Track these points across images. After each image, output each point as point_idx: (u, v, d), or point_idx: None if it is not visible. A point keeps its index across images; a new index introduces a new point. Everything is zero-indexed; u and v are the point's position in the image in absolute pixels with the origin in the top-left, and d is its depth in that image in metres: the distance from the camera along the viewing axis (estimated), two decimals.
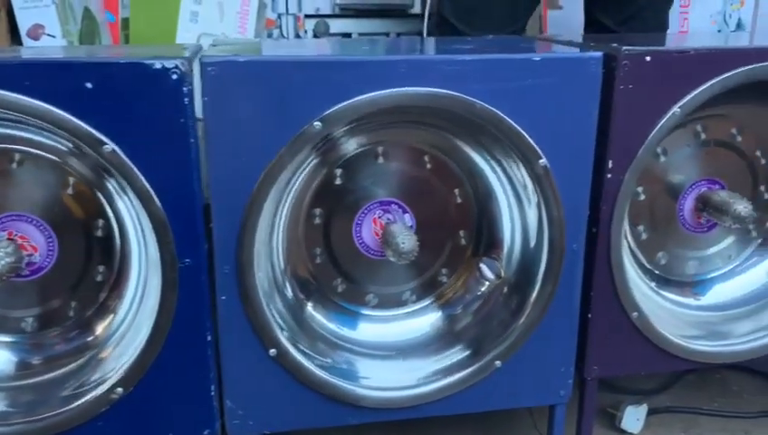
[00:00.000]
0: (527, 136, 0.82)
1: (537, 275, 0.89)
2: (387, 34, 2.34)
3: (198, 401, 0.84)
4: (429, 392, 0.89)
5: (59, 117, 0.72)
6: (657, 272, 1.02)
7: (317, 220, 0.91)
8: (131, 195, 0.78)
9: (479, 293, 0.94)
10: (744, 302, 0.99)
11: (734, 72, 0.84)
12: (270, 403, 0.87)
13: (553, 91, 0.81)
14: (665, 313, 0.97)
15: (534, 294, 0.89)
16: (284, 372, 0.85)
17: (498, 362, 0.90)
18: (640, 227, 1.01)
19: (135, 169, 0.74)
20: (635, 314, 0.91)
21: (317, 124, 0.77)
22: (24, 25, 1.54)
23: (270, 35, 2.40)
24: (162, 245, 0.78)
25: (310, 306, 0.91)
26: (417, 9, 2.34)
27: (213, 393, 0.85)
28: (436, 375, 0.89)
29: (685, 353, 0.94)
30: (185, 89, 0.73)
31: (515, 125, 0.82)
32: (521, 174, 0.86)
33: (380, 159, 0.91)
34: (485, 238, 0.96)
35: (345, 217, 0.92)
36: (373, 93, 0.77)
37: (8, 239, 0.81)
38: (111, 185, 0.82)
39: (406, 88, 0.77)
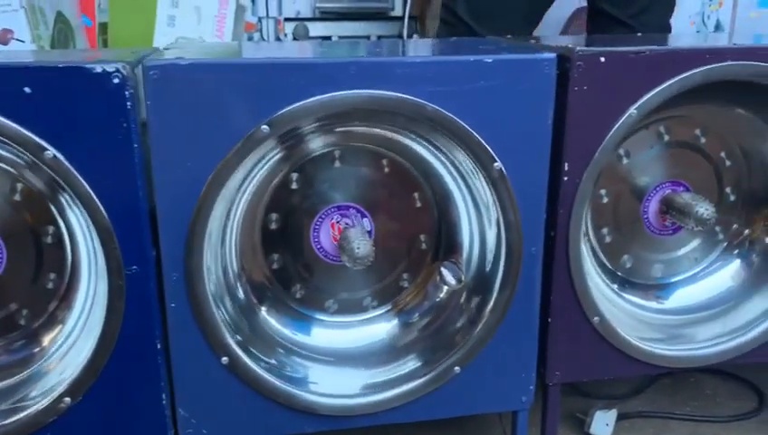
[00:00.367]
0: (481, 139, 0.81)
1: (495, 279, 0.88)
2: (367, 37, 2.34)
3: (150, 409, 0.83)
4: (387, 399, 0.88)
5: None
6: (621, 275, 1.01)
7: (273, 225, 0.90)
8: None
9: (437, 299, 0.93)
10: (709, 306, 0.98)
11: (690, 72, 0.83)
12: (224, 412, 0.85)
13: (507, 92, 0.80)
14: (628, 317, 0.95)
15: (493, 299, 0.88)
16: (237, 380, 0.83)
17: (457, 369, 0.89)
18: (604, 230, 0.99)
19: (77, 175, 0.73)
20: (596, 318, 0.90)
21: (264, 128, 0.76)
22: None
23: (250, 39, 2.40)
24: (107, 252, 0.76)
25: (263, 311, 0.90)
26: (397, 11, 2.34)
27: (165, 402, 0.83)
28: (394, 382, 0.88)
29: (648, 358, 0.93)
30: (127, 93, 0.72)
31: (468, 128, 0.80)
32: (477, 177, 0.85)
33: (337, 163, 0.90)
34: (445, 243, 0.95)
35: (302, 222, 0.91)
36: (321, 96, 0.76)
37: None
38: (63, 196, 0.80)
39: (355, 91, 0.76)
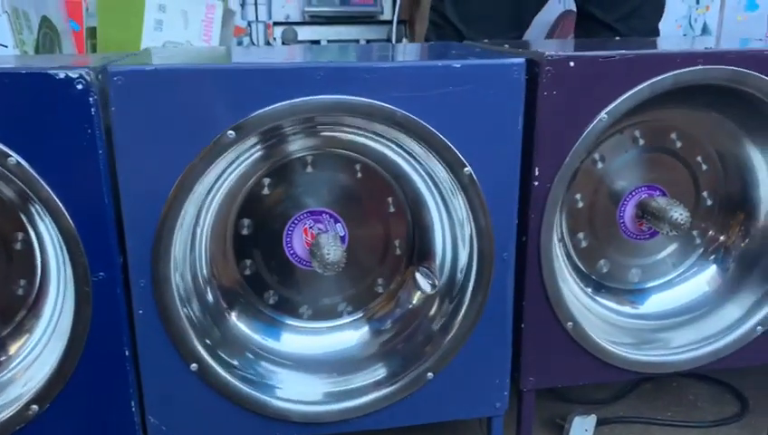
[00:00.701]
0: (450, 144, 0.81)
1: (468, 285, 0.88)
2: (356, 41, 2.34)
3: (119, 417, 0.82)
4: (359, 406, 0.87)
5: None
6: (598, 280, 1.00)
7: (245, 231, 0.90)
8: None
9: (410, 305, 0.92)
10: (683, 311, 0.98)
11: (661, 77, 0.82)
12: (194, 419, 0.85)
13: (476, 98, 0.80)
14: (602, 321, 0.95)
15: (465, 305, 0.88)
16: (207, 387, 0.83)
17: (430, 374, 0.88)
18: (580, 235, 0.99)
19: (41, 182, 0.73)
20: (570, 323, 0.90)
21: (230, 133, 0.75)
22: None
23: (240, 43, 2.40)
24: (73, 258, 0.76)
25: (234, 316, 0.89)
26: (386, 15, 2.34)
27: (134, 409, 0.83)
28: (366, 389, 0.88)
29: (622, 363, 0.92)
30: (91, 99, 0.71)
31: (438, 133, 0.80)
32: (448, 183, 0.85)
33: (309, 168, 0.89)
34: (419, 248, 0.94)
35: (275, 228, 0.90)
36: (287, 101, 0.75)
37: None
38: (33, 203, 0.80)
39: (321, 96, 0.76)
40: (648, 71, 0.82)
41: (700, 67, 0.83)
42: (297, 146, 0.87)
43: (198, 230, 0.83)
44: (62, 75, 0.70)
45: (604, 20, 1.31)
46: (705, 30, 1.94)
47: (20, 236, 0.83)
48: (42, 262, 0.84)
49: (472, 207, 0.84)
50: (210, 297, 0.87)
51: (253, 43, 2.39)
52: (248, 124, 0.76)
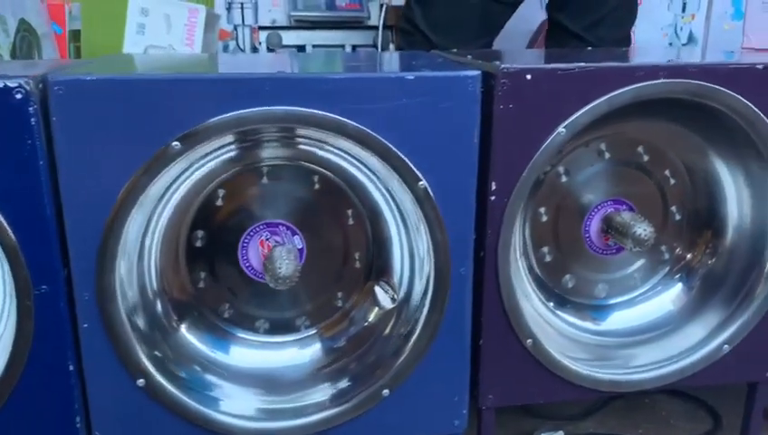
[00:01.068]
0: (404, 157, 0.79)
1: (424, 300, 0.86)
2: (342, 47, 2.32)
3: (63, 433, 0.81)
4: (313, 423, 0.85)
5: None
6: (562, 295, 0.98)
7: (199, 243, 0.88)
8: None
9: (366, 322, 0.91)
10: (646, 329, 0.96)
11: (621, 90, 0.81)
12: (141, 434, 0.83)
13: (430, 110, 0.78)
14: (563, 337, 0.93)
15: (422, 321, 0.86)
16: (154, 402, 0.81)
17: (386, 392, 0.86)
18: (545, 249, 0.97)
19: None
20: (529, 341, 0.88)
21: (175, 144, 0.74)
22: None
23: (226, 47, 2.39)
24: (15, 272, 0.74)
25: (183, 329, 0.87)
26: (373, 21, 2.32)
27: (79, 425, 0.81)
28: (316, 406, 0.85)
29: (583, 381, 0.90)
30: (30, 109, 0.70)
31: (391, 146, 0.78)
32: (404, 196, 0.83)
33: (265, 180, 0.88)
34: (379, 262, 0.92)
35: (230, 240, 0.89)
36: (233, 113, 0.74)
37: None
38: None
39: (269, 107, 0.74)
40: (607, 84, 0.80)
41: (662, 81, 0.81)
42: (252, 157, 0.85)
43: (148, 241, 0.82)
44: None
45: (572, 29, 1.29)
46: (691, 39, 1.92)
47: None
48: None
49: (428, 221, 0.82)
50: (159, 310, 0.85)
51: (239, 47, 2.38)
52: (194, 135, 0.74)
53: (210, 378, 0.85)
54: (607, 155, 0.95)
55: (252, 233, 0.89)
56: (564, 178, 0.94)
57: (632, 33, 1.86)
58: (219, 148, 0.81)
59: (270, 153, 0.85)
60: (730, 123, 0.88)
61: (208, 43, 2.03)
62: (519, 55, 1.02)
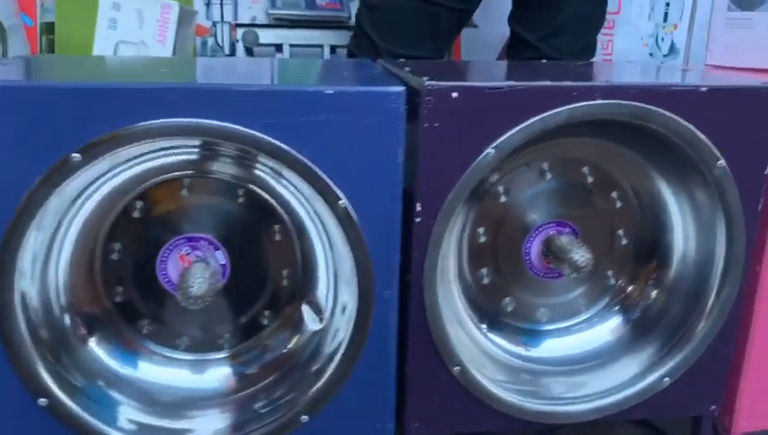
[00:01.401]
0: (323, 175, 0.75)
1: (347, 323, 0.82)
2: (321, 47, 2.28)
3: None
4: None
5: None
6: (500, 319, 0.95)
7: (115, 256, 0.85)
8: None
9: (288, 343, 0.87)
10: (582, 359, 0.91)
11: (553, 111, 0.76)
12: None
13: (352, 127, 0.74)
14: (497, 366, 0.89)
15: (344, 344, 0.82)
16: (57, 423, 0.78)
17: (305, 418, 0.83)
18: (483, 271, 0.93)
19: None
20: (457, 368, 0.84)
21: (75, 156, 0.70)
22: None
23: (204, 44, 2.36)
24: None
25: (92, 342, 0.84)
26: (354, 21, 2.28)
27: None
28: (235, 428, 0.82)
29: (514, 411, 0.86)
30: None
31: (309, 163, 0.75)
32: (326, 215, 0.79)
33: (185, 192, 0.84)
34: (306, 281, 0.89)
35: (148, 254, 0.85)
36: (140, 124, 0.70)
37: None
38: None
39: (174, 119, 0.70)
40: (539, 104, 0.76)
41: (598, 102, 0.77)
42: (172, 168, 0.81)
43: (54, 255, 0.78)
44: None
45: (529, 40, 1.25)
46: (672, 49, 1.87)
47: None
48: None
49: (349, 241, 0.78)
50: (67, 324, 0.81)
51: (217, 44, 2.34)
52: (95, 147, 0.70)
53: (113, 394, 0.81)
54: (549, 175, 0.90)
55: (171, 247, 0.85)
56: (504, 198, 0.90)
57: (611, 43, 1.82)
58: (134, 158, 0.78)
59: (190, 165, 0.82)
60: (675, 148, 0.83)
61: (184, 39, 1.99)
62: (457, 70, 0.98)
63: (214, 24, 2.34)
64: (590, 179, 0.92)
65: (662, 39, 1.86)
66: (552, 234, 0.92)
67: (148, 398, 0.82)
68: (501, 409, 0.86)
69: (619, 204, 0.93)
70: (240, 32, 2.28)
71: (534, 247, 0.93)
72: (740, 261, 0.86)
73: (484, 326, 0.92)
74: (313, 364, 0.84)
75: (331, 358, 0.83)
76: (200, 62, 1.30)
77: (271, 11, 2.24)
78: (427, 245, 0.79)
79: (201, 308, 0.87)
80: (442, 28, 1.22)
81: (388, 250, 0.80)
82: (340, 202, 0.77)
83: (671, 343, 0.90)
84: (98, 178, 0.77)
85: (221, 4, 2.31)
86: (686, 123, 0.80)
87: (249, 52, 2.24)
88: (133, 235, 0.84)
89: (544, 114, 0.76)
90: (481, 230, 0.91)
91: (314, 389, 0.82)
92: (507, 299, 0.95)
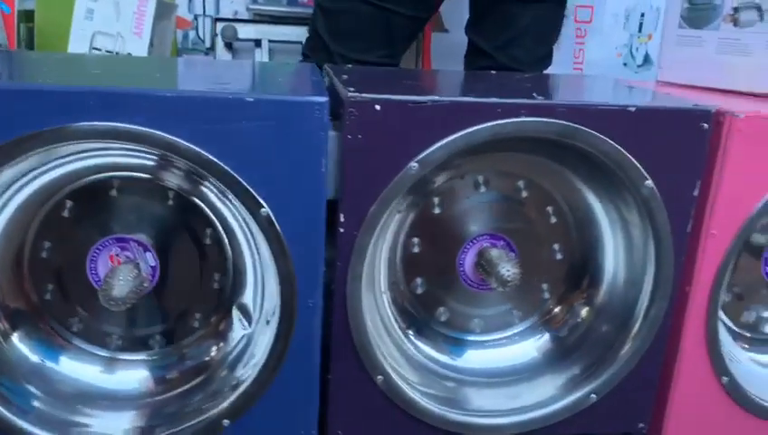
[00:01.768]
0: (244, 182, 0.75)
1: (272, 329, 0.82)
2: (300, 43, 2.28)
3: None
4: None
5: None
6: (432, 328, 0.95)
7: (45, 254, 0.85)
8: None
9: (211, 348, 0.87)
10: (509, 373, 0.92)
11: (477, 127, 0.77)
12: None
13: (273, 136, 0.74)
14: (421, 374, 0.89)
15: (267, 351, 0.82)
16: None
17: (226, 422, 0.83)
18: (418, 281, 0.93)
19: None
20: (380, 377, 0.84)
21: None
22: None
23: (186, 36, 2.36)
24: None
25: (15, 338, 0.84)
26: None
27: None
28: (139, 432, 0.82)
29: (437, 422, 0.86)
30: None
31: (230, 170, 0.75)
32: (251, 222, 0.80)
33: (115, 193, 0.84)
34: (236, 286, 0.89)
35: (77, 253, 0.85)
36: (57, 126, 0.70)
37: None
38: None
39: (91, 122, 0.70)
40: (463, 120, 0.76)
41: (523, 119, 0.77)
42: (97, 169, 0.81)
43: None
44: None
45: (485, 48, 1.25)
46: (646, 60, 1.87)
47: None
48: None
49: (272, 249, 0.79)
50: None
51: (198, 38, 2.34)
52: (10, 149, 0.70)
53: (30, 389, 0.81)
54: (483, 188, 0.91)
55: (101, 247, 0.85)
56: (438, 210, 0.90)
57: (582, 53, 1.82)
58: (61, 157, 0.78)
59: (119, 166, 0.82)
60: (604, 167, 0.83)
61: (163, 32, 1.99)
62: (393, 81, 0.97)
63: (195, 17, 2.34)
64: (524, 194, 0.92)
65: (636, 49, 1.86)
66: (486, 246, 0.92)
67: (65, 393, 0.82)
68: (424, 419, 0.86)
69: (554, 219, 0.93)
70: (219, 26, 2.28)
71: (469, 259, 0.93)
72: (668, 282, 0.87)
73: (411, 332, 0.92)
74: (236, 370, 0.85)
75: (254, 364, 0.83)
76: (147, 61, 1.30)
77: (251, 6, 2.24)
78: (351, 255, 0.80)
79: (131, 309, 0.88)
80: (395, 35, 1.22)
81: (312, 259, 0.80)
82: (262, 210, 0.77)
83: (598, 360, 0.90)
84: (22, 177, 0.77)
85: None
86: (613, 143, 0.80)
87: (228, 46, 2.24)
88: (63, 234, 0.84)
89: (468, 130, 0.76)
90: (416, 240, 0.92)
91: (236, 394, 0.83)
92: (441, 309, 0.95)
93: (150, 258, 0.87)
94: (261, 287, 0.85)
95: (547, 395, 0.89)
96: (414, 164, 0.77)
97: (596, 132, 0.79)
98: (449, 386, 0.89)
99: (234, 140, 0.74)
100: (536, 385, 0.90)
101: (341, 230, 0.79)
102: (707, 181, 0.85)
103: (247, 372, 0.83)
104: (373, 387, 0.85)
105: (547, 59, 1.31)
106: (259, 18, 2.28)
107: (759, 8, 0.96)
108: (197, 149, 0.73)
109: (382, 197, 0.78)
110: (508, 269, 0.84)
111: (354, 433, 0.88)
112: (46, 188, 0.81)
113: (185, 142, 0.73)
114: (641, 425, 0.94)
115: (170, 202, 0.86)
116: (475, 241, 0.92)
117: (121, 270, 0.80)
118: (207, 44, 2.30)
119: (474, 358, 0.93)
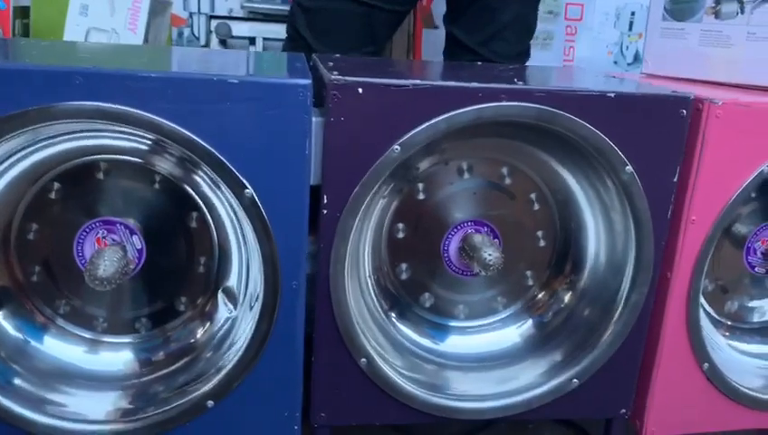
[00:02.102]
0: (228, 163, 0.76)
1: (256, 311, 0.83)
2: None
3: None
4: (131, 431, 0.83)
5: None
6: (415, 312, 0.96)
7: (32, 236, 0.86)
8: None
9: (196, 331, 0.88)
10: (490, 358, 0.92)
11: (459, 111, 0.78)
12: None
13: (257, 117, 0.75)
14: (403, 356, 0.90)
15: (251, 332, 0.83)
16: None
17: (210, 403, 0.84)
18: (403, 266, 0.95)
19: None
20: (363, 360, 0.85)
21: None
22: None
23: (181, 34, 2.37)
24: None
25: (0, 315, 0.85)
26: None
27: None
28: (137, 411, 0.83)
29: (420, 405, 0.87)
30: None
31: (214, 151, 0.76)
32: (235, 204, 0.80)
33: (101, 175, 0.85)
34: (222, 269, 0.90)
35: (65, 235, 0.86)
36: (40, 105, 0.71)
37: None
38: None
39: (77, 102, 0.71)
40: (445, 103, 0.77)
41: (503, 103, 0.78)
42: (83, 151, 0.82)
43: None
44: None
45: (467, 43, 1.25)
46: (637, 58, 1.89)
47: None
48: None
49: (255, 229, 0.79)
50: None
51: (193, 35, 2.35)
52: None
53: (13, 366, 0.82)
54: (467, 175, 0.92)
55: (87, 230, 0.86)
56: (423, 196, 0.92)
57: (572, 50, 1.83)
58: (47, 139, 0.79)
59: (105, 148, 0.83)
60: (585, 153, 0.85)
61: (157, 29, 2.00)
62: (377, 68, 0.98)
63: (190, 14, 2.35)
64: (508, 181, 0.93)
65: (627, 47, 1.88)
66: (470, 232, 0.93)
67: (46, 372, 0.83)
68: (406, 401, 0.87)
69: (537, 206, 0.94)
70: (212, 23, 2.30)
71: (453, 245, 0.94)
72: (649, 267, 0.88)
73: (393, 314, 0.93)
74: (220, 351, 0.85)
75: (238, 346, 0.84)
76: (137, 48, 1.30)
77: (246, 3, 2.25)
78: (334, 237, 0.80)
79: (117, 292, 0.89)
80: (377, 30, 1.22)
81: (296, 240, 0.81)
82: (246, 191, 0.78)
83: (580, 346, 0.91)
84: (10, 156, 0.78)
85: None
86: (593, 128, 0.81)
87: (223, 44, 2.25)
88: (50, 216, 0.85)
89: (450, 114, 0.78)
90: (400, 226, 0.93)
91: (220, 375, 0.84)
92: (426, 295, 0.96)
93: (137, 241, 0.88)
94: (246, 271, 0.86)
95: (529, 380, 0.90)
96: (396, 147, 0.78)
97: (575, 117, 0.80)
98: (432, 370, 0.90)
99: (218, 122, 0.75)
100: (518, 370, 0.91)
101: (324, 212, 0.80)
102: (687, 168, 0.86)
103: (232, 354, 0.84)
104: (356, 369, 0.86)
105: (527, 53, 1.32)
106: (253, 16, 2.29)
107: (740, 0, 0.97)
108: (182, 129, 0.74)
109: (365, 179, 0.79)
110: (490, 253, 0.85)
111: (337, 415, 0.88)
112: (34, 168, 0.82)
113: (169, 123, 0.74)
114: (623, 410, 0.95)
115: (156, 186, 0.87)
116: (459, 227, 0.93)
117: (107, 251, 0.81)
118: (202, 42, 2.31)
119: (457, 343, 0.94)
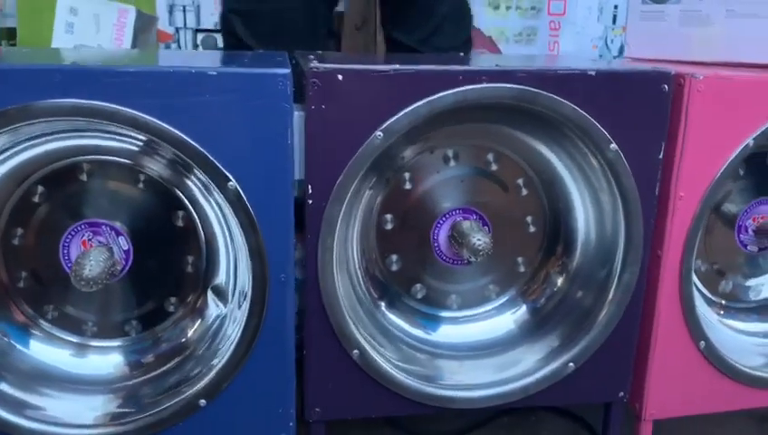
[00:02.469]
0: (211, 156, 0.76)
1: (245, 307, 0.82)
2: None
3: None
4: (126, 432, 0.82)
5: None
6: (405, 302, 0.95)
7: (17, 241, 0.85)
8: None
9: (186, 332, 0.87)
10: (482, 346, 0.92)
11: (440, 94, 0.77)
12: None
13: (237, 108, 0.75)
14: (395, 347, 0.89)
15: (240, 328, 0.82)
16: None
17: (202, 402, 0.83)
18: (393, 257, 0.94)
19: None
20: (356, 351, 0.84)
21: None
22: None
23: (167, 48, 2.37)
24: None
25: None
26: None
27: None
28: (111, 418, 0.82)
29: (415, 396, 0.86)
30: None
31: (196, 144, 0.75)
32: (220, 198, 0.80)
33: (85, 177, 0.85)
34: (209, 267, 0.89)
35: (50, 239, 0.85)
36: (21, 104, 0.71)
37: None
38: None
39: (58, 99, 0.71)
40: (426, 88, 0.77)
41: (485, 85, 0.78)
42: (67, 152, 0.82)
43: None
44: None
45: (408, 43, 1.25)
46: (622, 51, 1.89)
47: None
48: None
49: (240, 222, 0.79)
50: None
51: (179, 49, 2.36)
52: None
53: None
54: (453, 162, 0.91)
55: (73, 233, 0.86)
56: (409, 186, 0.91)
57: (557, 45, 1.84)
58: (30, 139, 0.78)
59: (89, 148, 0.82)
60: (569, 132, 0.85)
61: (143, 45, 2.00)
62: (357, 58, 0.98)
63: (177, 29, 2.36)
64: (494, 167, 0.93)
65: (611, 41, 1.89)
66: (459, 220, 0.92)
67: (31, 376, 0.82)
68: (401, 392, 0.86)
69: (525, 191, 0.94)
70: (198, 37, 2.31)
71: (443, 234, 0.93)
72: (638, 246, 0.87)
73: (382, 304, 0.92)
74: (211, 349, 0.84)
75: (228, 343, 0.83)
76: (119, 51, 1.30)
77: None
78: (320, 226, 0.80)
79: (106, 294, 0.88)
80: (322, 29, 1.21)
81: (282, 232, 0.80)
82: (230, 184, 0.77)
83: (575, 329, 0.90)
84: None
85: (184, 11, 2.34)
86: (575, 107, 0.80)
87: None
88: (35, 220, 0.85)
89: (431, 97, 0.77)
90: (389, 217, 0.92)
91: (212, 373, 0.83)
92: (418, 286, 0.96)
93: (123, 242, 0.87)
94: (234, 268, 0.86)
95: (525, 367, 0.89)
96: (379, 133, 0.78)
97: (557, 96, 0.80)
98: (425, 360, 0.89)
99: (198, 115, 0.75)
100: (514, 357, 0.91)
101: (310, 202, 0.79)
102: (672, 144, 0.86)
103: (223, 351, 0.83)
104: (349, 362, 0.85)
105: (469, 42, 1.31)
106: None
107: None
108: (163, 124, 0.74)
109: (349, 167, 0.78)
110: (479, 238, 0.85)
111: (332, 409, 0.87)
112: (19, 169, 0.82)
113: (149, 118, 0.74)
114: (621, 394, 0.94)
115: (141, 186, 0.86)
116: (448, 216, 0.93)
117: (93, 252, 0.81)
118: None
119: (450, 332, 0.93)
